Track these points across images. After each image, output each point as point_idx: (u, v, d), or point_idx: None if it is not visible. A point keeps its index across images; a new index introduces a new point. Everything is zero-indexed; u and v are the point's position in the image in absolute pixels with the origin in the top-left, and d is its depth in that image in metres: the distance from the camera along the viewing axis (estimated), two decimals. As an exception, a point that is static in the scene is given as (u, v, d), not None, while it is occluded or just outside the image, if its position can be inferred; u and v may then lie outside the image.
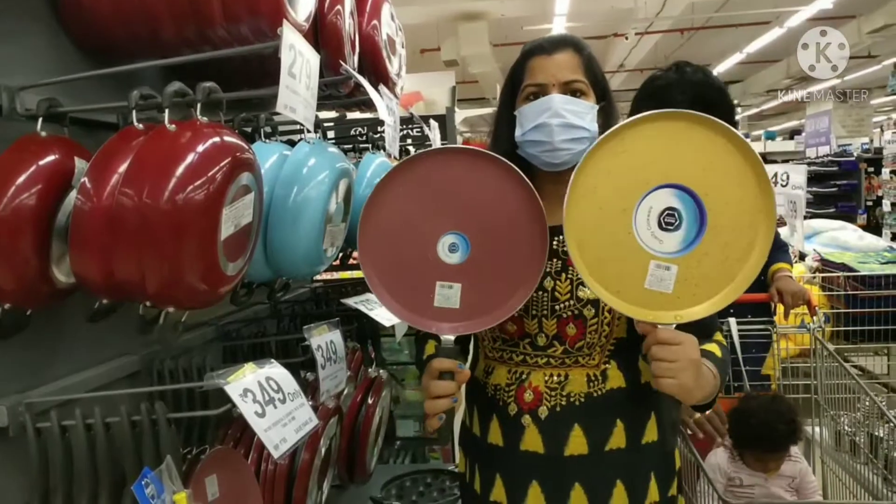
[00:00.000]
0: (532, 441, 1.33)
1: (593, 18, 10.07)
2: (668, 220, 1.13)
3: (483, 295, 1.24)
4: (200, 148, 0.94)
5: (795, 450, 2.27)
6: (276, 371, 1.03)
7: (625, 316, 1.29)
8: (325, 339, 1.29)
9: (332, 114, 1.93)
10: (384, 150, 1.66)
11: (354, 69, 1.63)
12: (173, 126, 0.96)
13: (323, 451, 1.55)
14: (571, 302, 1.31)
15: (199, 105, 0.98)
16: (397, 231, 1.22)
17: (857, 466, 2.57)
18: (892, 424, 2.39)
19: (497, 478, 1.37)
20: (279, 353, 1.65)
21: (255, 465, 1.43)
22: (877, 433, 2.52)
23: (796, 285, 2.61)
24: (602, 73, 1.39)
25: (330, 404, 1.56)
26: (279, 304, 1.95)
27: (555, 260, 1.34)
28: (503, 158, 1.22)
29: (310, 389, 1.64)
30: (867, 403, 2.92)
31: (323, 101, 1.71)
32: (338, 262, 2.27)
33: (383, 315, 1.55)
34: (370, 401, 1.85)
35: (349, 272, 2.74)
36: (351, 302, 1.49)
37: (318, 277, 2.61)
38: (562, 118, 1.29)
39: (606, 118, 1.37)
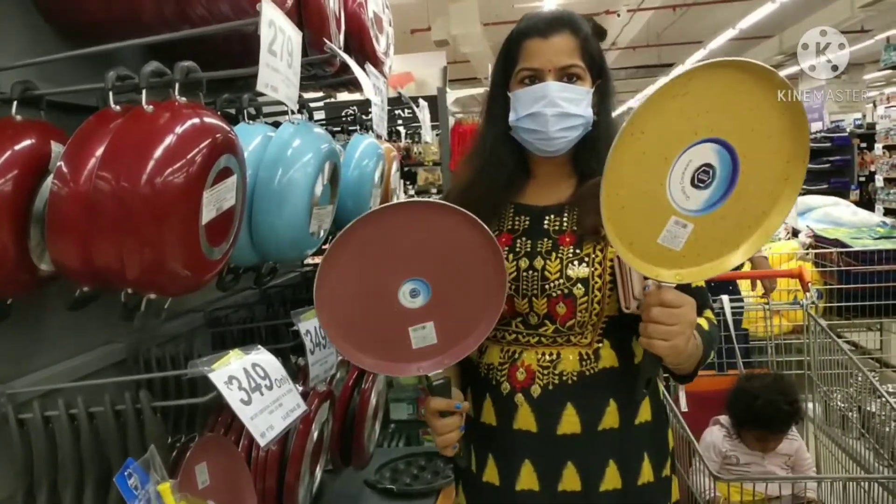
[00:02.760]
0: (525, 420, 1.32)
1: (585, -5, 9.99)
2: (701, 178, 1.09)
3: (456, 323, 1.22)
4: (179, 129, 0.91)
5: (792, 428, 2.27)
6: (262, 357, 1.01)
7: (614, 294, 1.29)
8: (313, 323, 1.27)
9: (321, 95, 1.90)
10: (373, 130, 1.63)
11: (340, 48, 1.59)
12: (151, 107, 0.93)
13: (315, 435, 1.54)
14: (561, 281, 1.30)
15: (177, 85, 0.95)
16: (356, 291, 1.16)
17: (849, 441, 2.59)
18: (883, 400, 2.40)
19: (490, 457, 1.37)
20: (268, 338, 1.63)
21: (246, 451, 1.42)
22: (869, 408, 2.53)
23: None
24: (599, 51, 1.35)
25: (320, 389, 1.54)
26: (269, 288, 1.93)
27: (545, 239, 1.33)
28: (450, 205, 1.16)
29: (300, 374, 1.62)
30: (860, 379, 2.94)
31: (309, 82, 1.68)
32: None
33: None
34: (365, 385, 1.84)
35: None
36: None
37: (308, 261, 2.59)
38: (557, 107, 1.27)
39: (602, 97, 1.35)
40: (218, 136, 0.95)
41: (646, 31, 12.01)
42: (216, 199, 0.96)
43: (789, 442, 2.27)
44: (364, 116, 1.77)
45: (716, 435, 2.27)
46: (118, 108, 0.96)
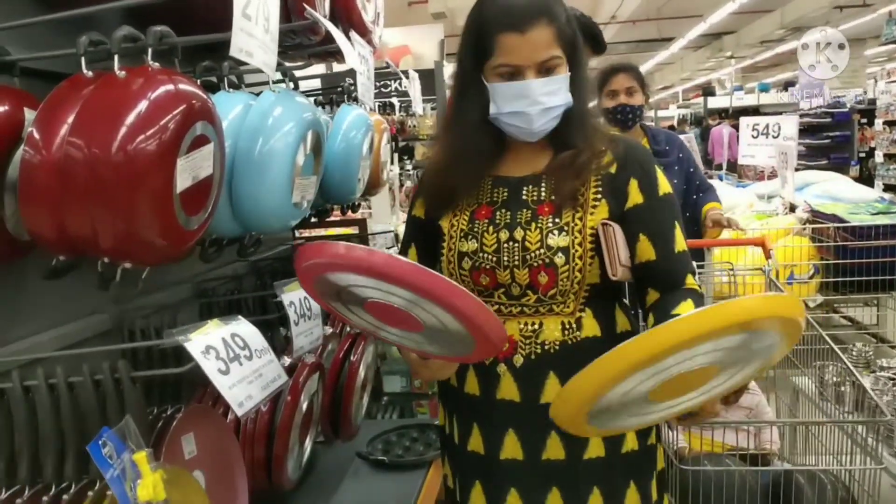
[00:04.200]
0: (508, 389, 1.33)
1: (584, -32, 9.86)
2: None
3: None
4: (151, 95, 0.89)
5: (753, 384, 2.37)
6: (242, 328, 1.00)
7: (596, 262, 1.30)
8: (297, 295, 1.26)
9: (321, 68, 1.87)
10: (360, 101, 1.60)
11: (325, 16, 1.57)
12: (123, 73, 0.91)
13: (304, 406, 1.54)
14: (542, 251, 1.30)
15: (150, 50, 0.93)
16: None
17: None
18: (877, 374, 2.41)
19: (474, 427, 1.38)
20: (256, 310, 1.63)
21: (234, 422, 1.42)
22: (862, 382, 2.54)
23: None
24: (574, 30, 1.33)
25: (309, 360, 1.54)
26: (259, 261, 1.92)
27: (524, 210, 1.33)
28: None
29: (289, 346, 1.62)
30: (854, 353, 2.94)
31: (294, 51, 1.65)
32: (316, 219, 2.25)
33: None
34: (353, 357, 1.84)
35: (335, 229, 2.70)
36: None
37: (300, 234, 2.58)
38: (540, 105, 1.28)
39: (575, 71, 1.32)
40: (193, 102, 0.94)
41: (646, 4, 11.88)
42: (191, 168, 0.95)
43: (751, 396, 2.37)
44: (352, 87, 1.74)
45: None
46: (90, 73, 0.94)
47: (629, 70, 2.78)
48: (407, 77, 2.05)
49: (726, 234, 3.29)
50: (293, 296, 1.25)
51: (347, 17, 1.72)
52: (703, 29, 13.06)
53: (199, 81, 1.19)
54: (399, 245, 1.60)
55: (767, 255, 2.67)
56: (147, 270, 1.00)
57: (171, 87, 0.92)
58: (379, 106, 5.06)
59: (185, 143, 0.92)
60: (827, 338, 2.23)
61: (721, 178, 6.91)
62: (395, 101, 5.30)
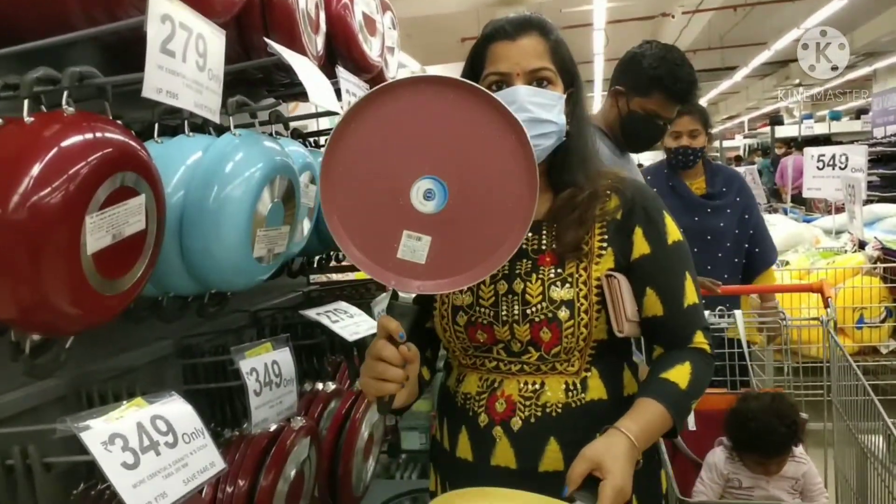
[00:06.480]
0: (504, 455, 1.21)
1: (638, -3, 9.69)
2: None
3: (457, 252, 1.09)
4: (59, 144, 0.78)
5: (800, 450, 2.11)
6: (170, 408, 0.87)
7: (603, 316, 1.19)
8: (263, 360, 1.13)
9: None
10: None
11: (318, 53, 1.46)
12: (31, 119, 0.80)
13: (292, 475, 1.40)
14: (544, 304, 1.18)
15: (65, 93, 0.82)
16: (366, 170, 1.04)
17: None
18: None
19: None
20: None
21: (212, 488, 1.29)
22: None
23: None
24: (571, 57, 1.25)
25: (297, 425, 1.41)
26: (261, 310, 1.81)
27: (524, 260, 1.21)
28: (490, 93, 1.05)
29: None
30: None
31: (288, 91, 1.55)
32: (336, 263, 2.12)
33: (347, 329, 1.39)
34: (356, 416, 1.70)
35: (350, 274, 2.55)
36: (311, 314, 1.33)
37: (314, 279, 2.46)
38: (528, 113, 1.16)
39: (575, 106, 1.24)
40: (110, 150, 0.82)
41: (707, 32, 11.59)
42: (111, 224, 0.83)
43: (796, 465, 2.10)
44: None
45: (718, 456, 2.13)
46: (1, 119, 0.83)
47: (694, 113, 2.69)
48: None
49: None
50: (256, 361, 1.12)
51: (348, 53, 1.63)
52: (767, 56, 12.67)
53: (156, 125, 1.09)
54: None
55: (826, 304, 2.43)
56: (71, 339, 0.89)
57: (84, 134, 0.81)
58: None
59: (98, 197, 0.80)
60: (861, 377, 1.98)
61: (786, 212, 6.56)
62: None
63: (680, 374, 1.15)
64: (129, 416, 0.81)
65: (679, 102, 2.01)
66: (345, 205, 1.05)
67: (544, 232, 1.23)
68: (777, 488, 2.08)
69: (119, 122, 0.94)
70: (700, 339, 1.21)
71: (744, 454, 2.08)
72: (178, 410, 0.88)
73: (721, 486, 2.11)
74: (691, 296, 1.21)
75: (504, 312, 1.20)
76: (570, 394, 1.20)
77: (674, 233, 1.23)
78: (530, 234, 1.23)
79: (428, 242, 1.06)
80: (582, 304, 1.17)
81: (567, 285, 1.18)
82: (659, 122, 2.02)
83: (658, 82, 1.92)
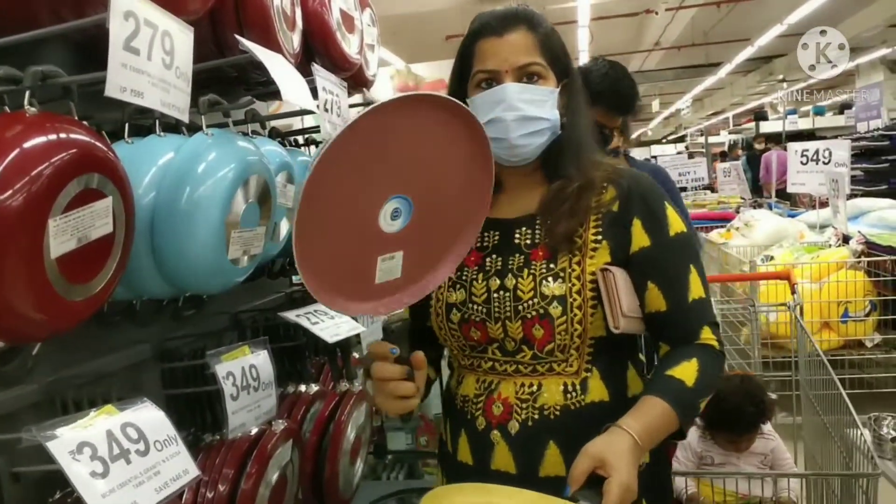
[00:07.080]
0: (503, 460, 1.19)
1: (621, -7, 9.69)
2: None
3: (427, 251, 1.09)
4: (24, 145, 0.76)
5: (768, 427, 2.24)
6: (142, 414, 0.85)
7: (599, 312, 1.16)
8: (240, 364, 1.11)
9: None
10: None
11: (294, 50, 1.44)
12: (-9, 120, 0.78)
13: (274, 479, 1.38)
14: (535, 300, 1.15)
15: (27, 93, 0.80)
16: (335, 217, 0.99)
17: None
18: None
19: None
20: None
21: (192, 493, 1.27)
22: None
23: None
24: (563, 48, 1.22)
25: (278, 428, 1.38)
26: (243, 311, 1.78)
27: (516, 255, 1.19)
28: (438, 94, 1.02)
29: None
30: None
31: (266, 90, 1.52)
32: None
33: (327, 331, 1.37)
34: (341, 418, 1.68)
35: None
36: (291, 315, 1.31)
37: (297, 280, 2.43)
38: (517, 111, 1.15)
39: (570, 98, 1.22)
40: (74, 151, 0.80)
41: (690, 29, 11.60)
42: (76, 228, 0.81)
43: (765, 441, 2.22)
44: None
45: (691, 435, 2.22)
46: (-39, 121, 0.81)
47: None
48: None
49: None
50: (232, 365, 1.10)
51: (325, 51, 1.60)
52: (751, 53, 12.72)
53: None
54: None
55: (793, 290, 2.48)
56: (38, 346, 0.86)
57: (47, 135, 0.78)
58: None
59: (60, 201, 0.78)
60: (832, 373, 2.02)
61: (771, 207, 6.59)
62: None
63: (686, 371, 1.11)
64: (98, 424, 0.79)
65: (621, 114, 2.19)
66: (320, 265, 0.99)
67: (537, 226, 1.20)
68: (747, 464, 2.19)
69: (87, 122, 0.92)
70: (708, 335, 1.17)
71: (715, 433, 2.20)
72: (149, 417, 0.86)
73: (695, 464, 2.22)
74: (696, 290, 1.17)
75: (496, 309, 1.18)
76: (568, 395, 1.17)
77: (676, 224, 1.20)
78: (524, 228, 1.21)
79: (401, 257, 1.05)
80: (575, 300, 1.14)
81: (559, 280, 1.15)
82: (605, 132, 2.17)
83: (599, 96, 2.07)
